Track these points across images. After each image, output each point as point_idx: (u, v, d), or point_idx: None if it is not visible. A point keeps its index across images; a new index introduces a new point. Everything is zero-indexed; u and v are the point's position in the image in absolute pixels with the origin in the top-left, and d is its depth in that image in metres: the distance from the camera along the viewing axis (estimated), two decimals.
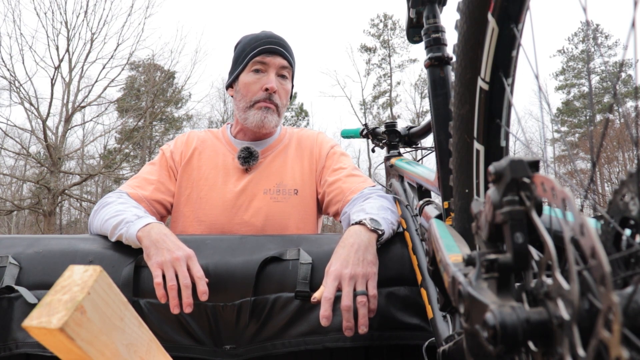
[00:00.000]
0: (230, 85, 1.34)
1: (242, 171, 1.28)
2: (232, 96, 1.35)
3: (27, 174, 16.31)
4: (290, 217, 1.25)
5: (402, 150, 1.28)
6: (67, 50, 12.29)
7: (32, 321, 0.41)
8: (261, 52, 1.25)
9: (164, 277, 0.87)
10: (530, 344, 0.32)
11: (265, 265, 0.92)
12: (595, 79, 21.50)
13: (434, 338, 0.71)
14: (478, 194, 0.57)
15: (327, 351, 0.90)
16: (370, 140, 1.41)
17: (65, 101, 12.39)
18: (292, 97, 1.42)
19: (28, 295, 0.88)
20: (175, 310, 0.85)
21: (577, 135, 22.21)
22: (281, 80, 1.28)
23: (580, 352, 0.27)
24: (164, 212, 1.28)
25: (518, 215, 0.34)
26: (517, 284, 0.36)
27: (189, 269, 0.88)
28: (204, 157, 1.31)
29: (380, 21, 23.79)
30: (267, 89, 1.24)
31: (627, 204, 0.32)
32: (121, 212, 1.03)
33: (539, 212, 0.34)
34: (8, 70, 11.17)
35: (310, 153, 1.33)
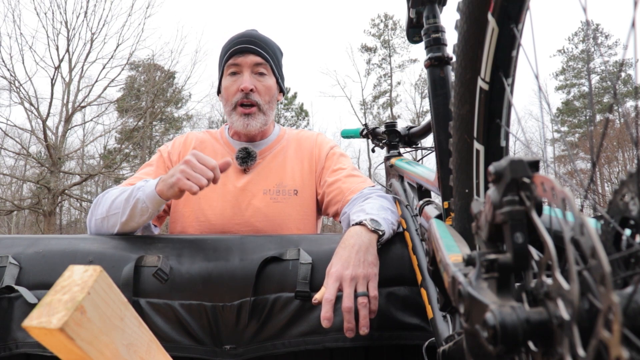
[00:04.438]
0: (219, 91, 1.35)
1: (240, 171, 1.28)
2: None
3: (27, 174, 16.29)
4: (290, 218, 1.25)
5: (402, 150, 1.28)
6: (67, 50, 12.30)
7: (32, 321, 0.41)
8: (233, 53, 1.26)
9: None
10: (530, 344, 0.32)
11: (265, 265, 0.92)
12: (595, 79, 21.51)
13: (434, 338, 0.71)
14: (478, 194, 0.57)
15: (327, 351, 0.90)
16: (370, 140, 1.41)
17: (65, 101, 12.40)
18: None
19: (28, 295, 0.88)
20: (216, 182, 0.96)
21: (577, 135, 22.22)
22: (258, 77, 1.27)
23: (580, 352, 0.27)
24: (162, 212, 1.28)
25: (518, 215, 0.34)
26: (517, 284, 0.36)
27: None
28: None
29: (381, 21, 23.79)
30: (242, 90, 1.24)
31: (627, 204, 0.32)
32: (126, 189, 1.05)
33: (539, 212, 0.34)
34: (8, 70, 11.20)
35: (310, 154, 1.34)
